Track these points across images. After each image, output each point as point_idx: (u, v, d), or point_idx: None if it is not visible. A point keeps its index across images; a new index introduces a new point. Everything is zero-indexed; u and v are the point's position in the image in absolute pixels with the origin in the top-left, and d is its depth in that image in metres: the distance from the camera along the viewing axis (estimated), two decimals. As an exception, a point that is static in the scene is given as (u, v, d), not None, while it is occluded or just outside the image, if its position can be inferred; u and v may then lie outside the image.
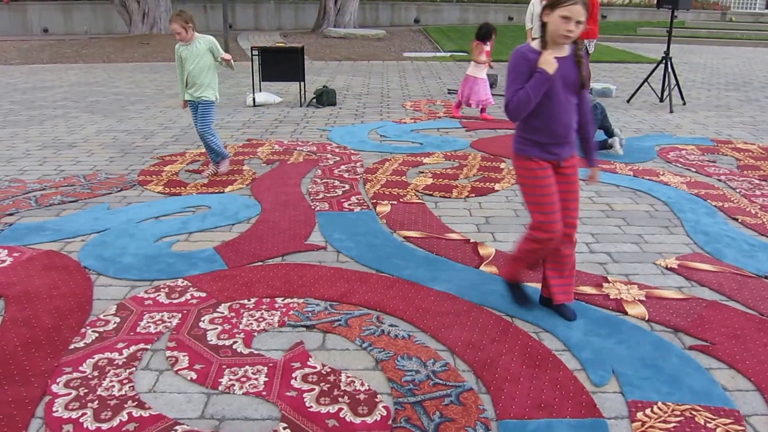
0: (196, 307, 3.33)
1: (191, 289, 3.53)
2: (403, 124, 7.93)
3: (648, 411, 2.57)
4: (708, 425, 2.49)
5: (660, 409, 2.58)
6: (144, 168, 5.91)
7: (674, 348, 3.04)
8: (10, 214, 4.70)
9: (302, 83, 9.08)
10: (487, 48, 8.41)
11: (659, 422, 2.50)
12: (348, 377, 2.75)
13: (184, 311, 3.28)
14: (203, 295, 3.46)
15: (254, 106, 8.90)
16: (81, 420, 2.46)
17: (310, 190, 5.28)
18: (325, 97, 9.01)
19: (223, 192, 5.22)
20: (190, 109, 5.71)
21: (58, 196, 5.08)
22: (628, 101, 9.71)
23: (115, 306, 3.34)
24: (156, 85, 10.94)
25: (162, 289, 3.52)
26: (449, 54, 15.91)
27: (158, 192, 5.24)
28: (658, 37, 18.70)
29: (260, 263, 3.88)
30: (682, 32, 22.05)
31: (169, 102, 9.32)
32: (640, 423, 2.50)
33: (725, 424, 2.50)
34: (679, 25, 22.78)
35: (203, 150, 6.50)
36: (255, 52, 8.98)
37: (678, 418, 2.53)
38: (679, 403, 2.62)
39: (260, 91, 9.18)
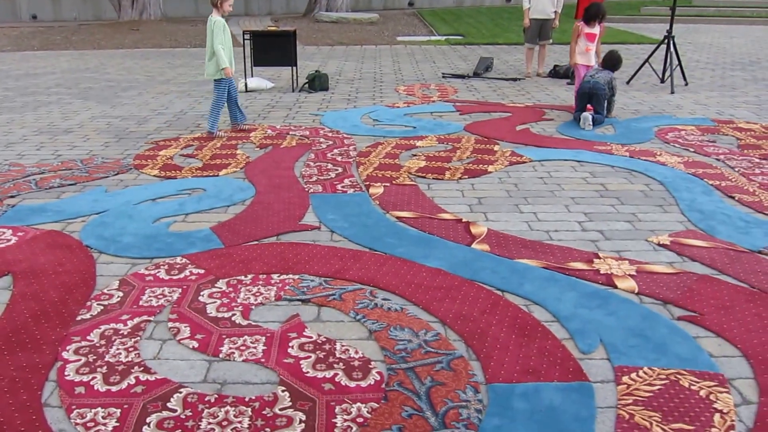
0: (195, 282, 3.54)
1: (190, 266, 3.73)
2: (396, 108, 8.12)
3: (633, 375, 2.79)
4: (692, 387, 2.71)
5: (645, 374, 2.80)
6: (139, 153, 6.10)
7: (662, 319, 3.25)
8: (12, 196, 4.93)
9: (294, 68, 9.26)
10: (591, 30, 8.13)
11: (644, 385, 2.72)
12: (343, 346, 2.96)
13: (184, 286, 3.49)
14: (202, 271, 3.66)
15: (246, 91, 9.07)
16: (92, 383, 2.68)
17: (304, 173, 5.48)
18: (317, 82, 9.19)
19: (217, 175, 5.42)
20: (224, 83, 6.64)
21: (56, 180, 5.29)
22: (628, 82, 9.90)
23: (118, 281, 3.56)
24: (147, 72, 11.11)
25: (162, 266, 3.73)
26: (444, 38, 16.08)
27: (154, 175, 5.43)
28: (663, 17, 18.84)
29: (256, 242, 4.09)
30: (688, 11, 22.18)
31: (161, 88, 9.49)
32: (626, 386, 2.72)
33: (709, 387, 2.72)
34: (686, 4, 22.94)
35: (196, 135, 6.71)
36: (247, 37, 9.15)
37: (663, 381, 2.75)
38: (664, 368, 2.84)
39: (252, 76, 9.35)
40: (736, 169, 5.73)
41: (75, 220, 4.47)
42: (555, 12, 10.28)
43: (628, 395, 2.65)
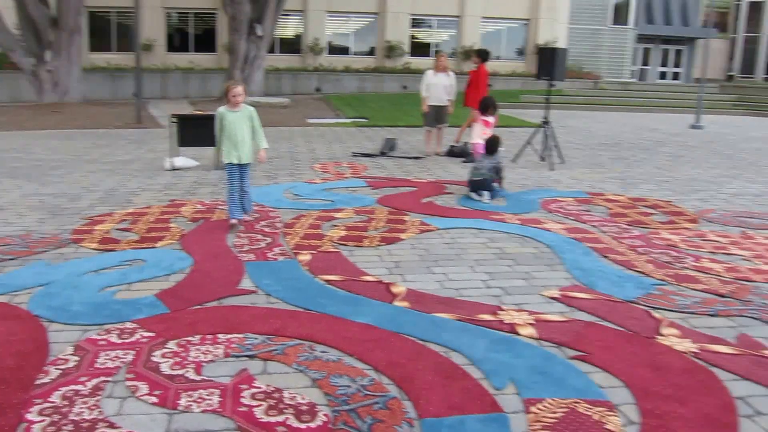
0: (147, 344, 3.61)
1: (140, 330, 3.80)
2: (314, 183, 8.40)
3: (539, 405, 3.09)
4: (587, 413, 3.04)
5: (549, 404, 3.11)
6: (76, 227, 6.06)
7: (559, 358, 3.60)
8: (-48, 273, 4.79)
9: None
10: (486, 119, 9.24)
11: (549, 413, 3.03)
12: (290, 394, 3.12)
13: (137, 348, 3.56)
14: (152, 334, 3.74)
15: (172, 170, 9.14)
16: (59, 440, 2.71)
17: (236, 243, 5.62)
18: (239, 161, 9.36)
19: (155, 247, 5.48)
20: (229, 168, 6.18)
21: (-4, 255, 5.20)
22: (514, 161, 10.61)
23: (72, 347, 3.58)
24: (73, 151, 10.95)
25: (113, 332, 3.78)
26: (351, 120, 16.65)
27: (93, 248, 5.43)
28: (539, 104, 20.24)
29: (199, 306, 4.19)
30: (559, 99, 23.78)
31: (89, 167, 9.41)
32: (534, 414, 3.02)
33: (600, 412, 3.05)
34: (557, 93, 24.61)
35: (130, 210, 6.73)
36: (173, 120, 9.28)
37: (564, 409, 3.06)
38: (564, 398, 3.16)
39: (178, 155, 9.44)
40: (608, 234, 6.30)
41: (20, 292, 4.42)
42: (449, 100, 10.98)
43: (537, 422, 2.95)
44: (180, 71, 23.91)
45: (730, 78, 35.21)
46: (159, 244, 5.57)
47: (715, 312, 4.37)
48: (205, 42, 25.88)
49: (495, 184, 7.81)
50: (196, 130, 9.19)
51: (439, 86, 10.86)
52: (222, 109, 6.11)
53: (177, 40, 25.90)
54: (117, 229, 6.03)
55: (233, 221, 6.11)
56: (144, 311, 4.08)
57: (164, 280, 4.70)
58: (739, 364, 3.61)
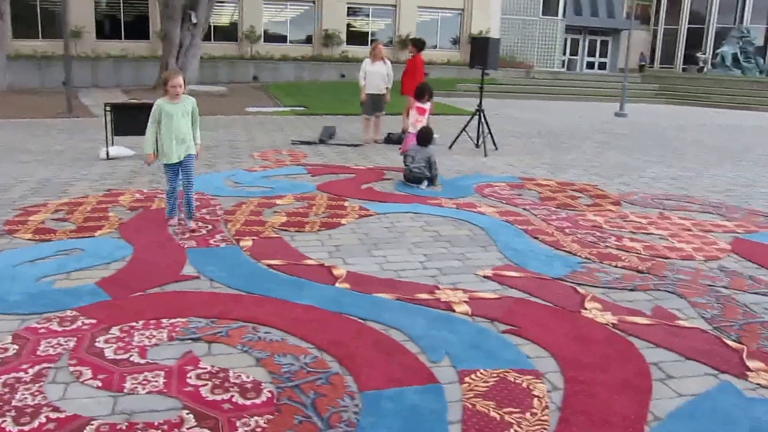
0: (89, 331, 3.61)
1: (81, 317, 3.78)
2: (254, 171, 8.40)
3: (473, 376, 3.26)
4: (516, 381, 3.22)
5: (482, 374, 3.28)
6: (8, 218, 5.92)
7: (491, 333, 3.78)
8: None
9: (155, 137, 9.28)
10: (421, 105, 9.30)
11: (482, 382, 3.20)
12: (235, 373, 3.20)
13: (79, 335, 3.55)
14: (94, 321, 3.73)
15: (108, 159, 8.96)
16: (3, 425, 2.71)
17: (176, 231, 5.61)
18: (177, 150, 9.25)
19: (93, 236, 5.41)
20: (168, 167, 5.70)
21: (-73, 247, 5.04)
22: (450, 147, 10.82)
23: (10, 336, 3.54)
24: (1, 141, 10.58)
25: (53, 320, 3.75)
26: (289, 109, 16.59)
27: (28, 239, 5.32)
28: (474, 92, 20.59)
29: (141, 293, 4.20)
30: (494, 88, 24.29)
31: (20, 157, 9.12)
32: (468, 384, 3.18)
33: (528, 380, 3.24)
34: (492, 82, 25.07)
35: (65, 200, 6.59)
36: (108, 109, 9.08)
37: (495, 379, 3.24)
38: (495, 369, 3.34)
39: (113, 145, 9.26)
40: (539, 216, 6.56)
41: (-45, 284, 4.32)
42: (386, 88, 11.10)
43: (470, 391, 3.11)
44: (111, 59, 23.25)
45: (641, 68, 36.54)
46: (97, 233, 5.50)
47: (634, 287, 4.65)
48: (138, 29, 25.15)
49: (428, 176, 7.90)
50: (131, 119, 9.01)
51: (376, 75, 10.96)
52: (160, 101, 5.64)
53: (107, 27, 25.08)
54: (52, 219, 5.92)
55: (171, 221, 5.76)
56: (84, 299, 4.06)
57: (104, 268, 4.66)
58: (653, 334, 3.87)
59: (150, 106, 9.06)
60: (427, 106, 9.40)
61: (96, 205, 6.39)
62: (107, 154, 9.01)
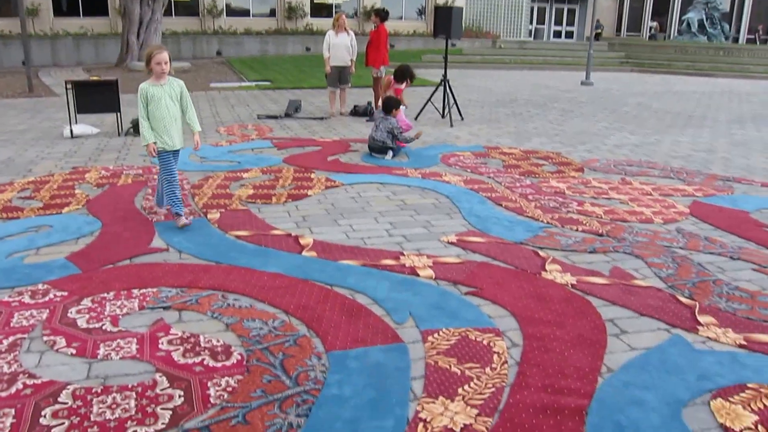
0: (61, 302, 3.70)
1: (53, 290, 3.86)
2: (220, 146, 8.43)
3: (435, 335, 3.42)
4: (477, 339, 3.39)
5: (444, 333, 3.44)
6: (-27, 197, 5.91)
7: (454, 295, 3.95)
8: None
9: (119, 114, 9.25)
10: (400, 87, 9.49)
11: (444, 341, 3.36)
12: (206, 338, 3.32)
13: (51, 307, 3.64)
14: (65, 293, 3.82)
15: (72, 137, 8.91)
16: (-21, 393, 2.81)
17: (144, 205, 5.67)
18: (142, 126, 9.22)
19: (61, 213, 5.45)
20: (162, 160, 5.14)
21: None
22: (416, 118, 10.94)
23: (-17, 310, 3.62)
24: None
25: (25, 293, 3.82)
26: (254, 83, 16.51)
27: (-6, 217, 5.35)
28: (440, 63, 20.68)
29: (111, 266, 4.28)
30: (459, 58, 24.42)
31: (-21, 136, 9.03)
32: (430, 343, 3.34)
33: (489, 337, 3.41)
34: (457, 52, 25.21)
35: (31, 179, 6.59)
36: (69, 86, 9.01)
37: (457, 337, 3.40)
38: (457, 328, 3.50)
39: (76, 123, 9.19)
40: (503, 184, 6.74)
41: None
42: (351, 60, 11.14)
43: (433, 349, 3.28)
44: (71, 37, 22.78)
45: (597, 36, 36.67)
46: (65, 210, 5.53)
47: (593, 249, 4.85)
48: (96, 5, 24.61)
49: (394, 147, 8.02)
50: (94, 97, 8.99)
51: (340, 47, 10.99)
52: (144, 85, 5.00)
53: (65, 4, 24.53)
54: (19, 198, 5.93)
55: (184, 221, 5.06)
56: (55, 273, 4.13)
57: (73, 243, 4.72)
58: (610, 292, 4.07)
59: (112, 84, 9.12)
60: (403, 86, 9.58)
61: (62, 183, 6.40)
62: (71, 132, 8.95)
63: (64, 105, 9.31)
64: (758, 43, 33.49)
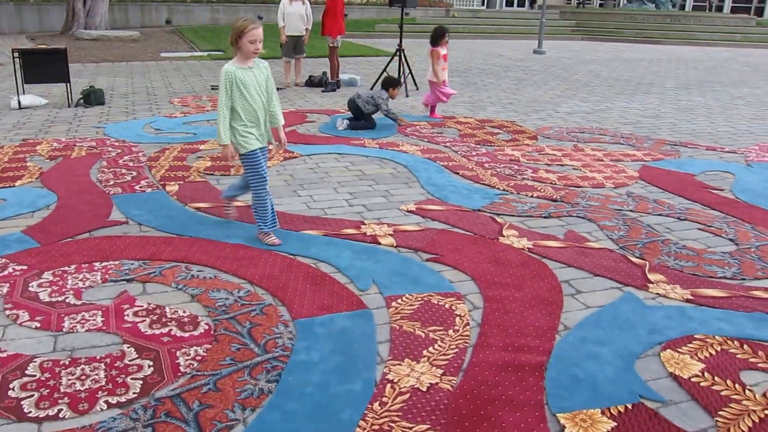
0: (21, 276, 3.65)
1: (11, 264, 3.80)
2: (174, 118, 8.30)
3: (399, 300, 3.50)
4: (440, 303, 3.48)
5: (407, 298, 3.52)
6: None
7: (415, 261, 4.03)
8: None
9: (68, 84, 8.99)
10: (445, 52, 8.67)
11: (407, 306, 3.44)
12: (171, 309, 3.33)
13: (11, 281, 3.59)
14: (24, 267, 3.76)
15: (20, 108, 8.64)
16: (-56, 369, 2.78)
17: (100, 178, 5.57)
18: (93, 97, 9.01)
19: (14, 186, 5.32)
20: (248, 157, 4.20)
21: None
22: (371, 89, 10.89)
23: (-60, 286, 3.54)
24: None
25: (-18, 269, 3.76)
26: (206, 53, 16.19)
27: (-56, 192, 5.19)
28: (394, 33, 20.56)
29: (70, 239, 4.22)
30: (413, 28, 24.21)
31: None
32: (394, 308, 3.41)
33: (451, 301, 3.51)
34: (411, 22, 25.05)
35: (-21, 151, 6.39)
36: (16, 55, 8.71)
37: (419, 302, 3.49)
38: (420, 293, 3.59)
39: (24, 93, 8.91)
40: (459, 153, 6.83)
41: None
42: (306, 29, 11.01)
43: (397, 314, 3.36)
44: (12, 3, 21.85)
45: (531, 4, 36.33)
46: (18, 183, 5.40)
47: (548, 214, 4.98)
48: (39, -30, 23.67)
49: (365, 120, 7.94)
50: (42, 66, 8.70)
51: (295, 15, 10.84)
52: (231, 68, 4.11)
53: (5, -31, 23.50)
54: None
55: (273, 240, 4.22)
56: (13, 247, 4.06)
57: (29, 217, 4.63)
58: (565, 255, 4.21)
59: (61, 52, 8.84)
60: (445, 50, 8.79)
61: (13, 156, 6.24)
62: (19, 103, 8.68)
63: (10, 74, 9.01)
64: (712, 9, 34.09)
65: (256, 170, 4.20)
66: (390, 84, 8.18)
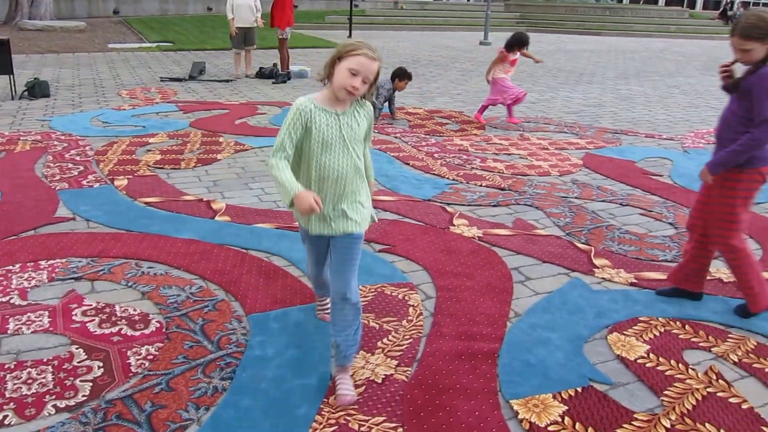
0: (-38, 278, 3.46)
1: (-48, 265, 3.61)
2: (122, 110, 8.03)
3: (351, 292, 3.44)
4: (393, 294, 3.44)
5: (361, 289, 3.47)
6: None
7: (368, 252, 3.97)
8: None
9: (11, 76, 8.60)
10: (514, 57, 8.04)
11: (361, 297, 3.37)
12: (121, 307, 3.20)
13: (-48, 283, 3.40)
14: (-34, 268, 3.58)
15: (-40, 102, 8.25)
16: None
17: (46, 173, 5.35)
18: (37, 89, 8.65)
19: (-46, 183, 5.06)
20: (309, 239, 2.82)
21: None
22: (321, 81, 10.75)
23: None
24: None
25: None
26: (155, 44, 15.75)
27: None
28: (343, 24, 20.36)
29: (14, 237, 4.03)
30: (363, 20, 24.10)
31: None
32: (347, 300, 3.35)
33: (404, 292, 3.47)
34: (360, 13, 24.91)
35: None
36: (-46, 48, 8.29)
37: (373, 293, 3.44)
38: (373, 284, 3.54)
39: (-37, 87, 8.50)
40: (409, 143, 6.79)
41: None
42: (255, 20, 10.80)
43: (351, 305, 3.29)
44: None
45: None
46: (-43, 180, 5.15)
47: (496, 203, 4.99)
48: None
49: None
50: (-18, 58, 8.30)
51: (245, 7, 10.62)
52: (306, 102, 2.59)
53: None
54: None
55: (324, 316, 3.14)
56: (-47, 247, 3.86)
57: (-30, 215, 4.41)
58: (514, 243, 4.22)
59: (3, 43, 8.43)
60: (517, 56, 8.17)
61: (-48, 152, 5.94)
62: (-42, 97, 8.28)
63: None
64: (649, 2, 34.74)
65: (309, 255, 2.96)
66: (398, 75, 7.86)
